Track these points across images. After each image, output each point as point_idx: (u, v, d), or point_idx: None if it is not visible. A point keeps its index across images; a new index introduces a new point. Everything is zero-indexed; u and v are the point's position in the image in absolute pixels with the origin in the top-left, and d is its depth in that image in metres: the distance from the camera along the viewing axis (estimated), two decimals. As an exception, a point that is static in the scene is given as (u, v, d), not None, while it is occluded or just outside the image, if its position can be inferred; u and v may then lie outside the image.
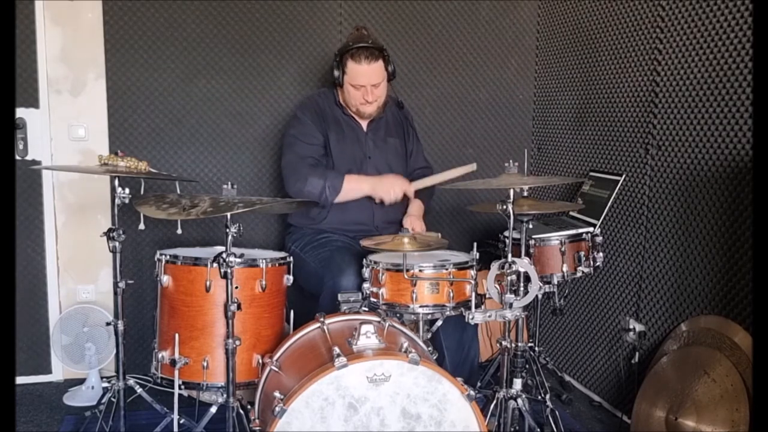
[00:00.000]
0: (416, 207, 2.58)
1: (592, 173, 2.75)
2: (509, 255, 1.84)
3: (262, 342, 1.97)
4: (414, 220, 2.51)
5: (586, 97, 2.85)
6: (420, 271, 2.01)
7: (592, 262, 2.39)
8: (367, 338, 1.65)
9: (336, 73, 2.45)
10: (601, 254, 2.42)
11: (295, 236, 2.57)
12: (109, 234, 2.04)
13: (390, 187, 2.44)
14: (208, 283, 1.88)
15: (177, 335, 1.92)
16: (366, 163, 2.56)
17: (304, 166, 2.44)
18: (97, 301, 2.86)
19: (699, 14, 2.20)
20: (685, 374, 2.10)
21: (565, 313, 2.97)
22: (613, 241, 2.64)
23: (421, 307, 2.02)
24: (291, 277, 2.07)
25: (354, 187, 2.45)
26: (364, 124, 2.59)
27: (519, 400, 2.03)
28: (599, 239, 2.42)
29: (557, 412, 2.27)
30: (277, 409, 1.52)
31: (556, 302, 2.41)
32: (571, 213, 2.70)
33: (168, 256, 1.98)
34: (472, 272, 2.06)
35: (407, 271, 1.99)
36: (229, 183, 1.81)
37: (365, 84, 2.42)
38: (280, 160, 2.64)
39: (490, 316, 1.85)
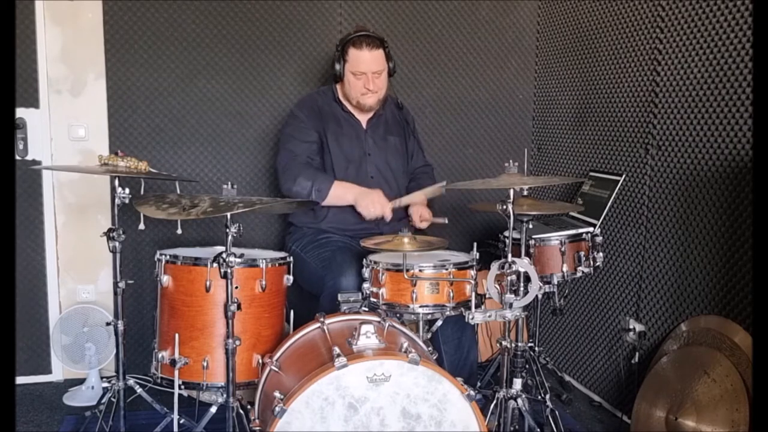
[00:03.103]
0: (418, 196, 2.52)
1: (592, 173, 2.75)
2: (509, 255, 1.84)
3: (262, 342, 1.97)
4: (419, 208, 2.50)
5: (586, 97, 2.85)
6: (420, 271, 2.01)
7: (592, 262, 2.39)
8: (367, 338, 1.65)
9: (337, 65, 2.45)
10: (601, 254, 2.42)
11: (295, 236, 2.57)
12: (109, 234, 2.04)
13: (371, 204, 2.38)
14: (208, 283, 1.88)
15: (177, 335, 1.92)
16: (365, 160, 2.56)
17: (295, 166, 2.44)
18: (97, 301, 2.86)
19: (699, 14, 2.20)
20: (685, 374, 2.10)
21: (565, 313, 2.97)
22: (613, 241, 2.64)
23: (421, 307, 2.02)
24: (291, 277, 2.07)
25: (340, 194, 2.43)
26: (363, 121, 2.59)
27: (519, 400, 2.03)
28: (599, 239, 2.42)
29: (557, 412, 2.27)
30: (277, 409, 1.52)
31: (556, 302, 2.41)
32: (571, 213, 2.70)
33: (168, 256, 1.98)
34: (472, 272, 2.06)
35: (407, 271, 1.99)
36: (229, 183, 1.81)
37: (366, 71, 2.42)
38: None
39: (490, 316, 1.85)
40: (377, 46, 2.41)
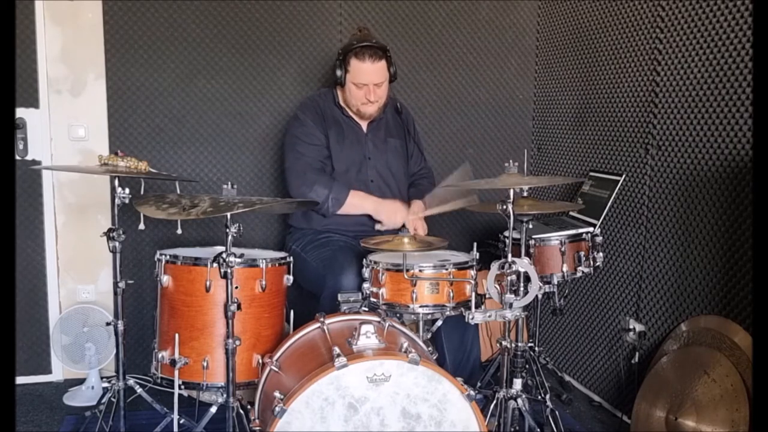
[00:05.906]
0: (418, 207, 2.56)
1: (592, 173, 2.75)
2: (509, 255, 1.84)
3: (262, 342, 1.97)
4: (416, 221, 2.48)
5: (586, 97, 2.85)
6: (420, 271, 2.01)
7: (592, 262, 2.39)
8: (367, 338, 1.65)
9: (338, 72, 2.44)
10: (601, 254, 2.42)
11: (295, 236, 2.57)
12: (109, 234, 2.04)
13: (393, 214, 2.44)
14: (208, 283, 1.88)
15: (177, 335, 1.92)
16: (365, 163, 2.55)
17: (310, 171, 2.44)
18: (97, 301, 2.86)
19: (699, 14, 2.20)
20: (685, 374, 2.10)
21: (565, 313, 2.96)
22: (613, 241, 2.64)
23: (421, 307, 2.02)
24: (291, 277, 2.07)
25: (357, 203, 2.45)
26: (363, 124, 2.59)
27: (519, 400, 2.03)
28: (599, 239, 2.42)
29: (557, 412, 2.27)
30: (277, 409, 1.52)
31: (556, 302, 2.41)
32: (571, 213, 2.70)
33: (168, 256, 1.98)
34: (472, 272, 2.06)
35: (407, 271, 1.99)
36: (229, 183, 1.81)
37: (368, 83, 2.42)
38: (280, 160, 2.63)
39: (490, 316, 1.85)
40: (379, 57, 2.39)
